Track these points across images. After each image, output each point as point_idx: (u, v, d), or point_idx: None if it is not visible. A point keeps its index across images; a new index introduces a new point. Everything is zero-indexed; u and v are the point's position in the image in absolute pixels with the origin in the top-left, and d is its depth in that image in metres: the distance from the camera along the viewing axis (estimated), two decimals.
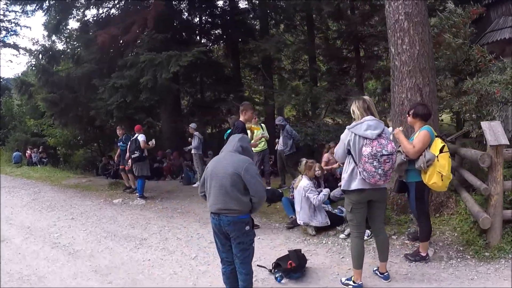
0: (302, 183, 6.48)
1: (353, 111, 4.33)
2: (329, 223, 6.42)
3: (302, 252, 5.15)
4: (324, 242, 6.03)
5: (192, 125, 11.56)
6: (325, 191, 6.57)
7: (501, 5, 9.70)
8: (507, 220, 5.11)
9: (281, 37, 15.52)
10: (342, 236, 6.12)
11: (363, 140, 4.12)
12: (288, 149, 9.80)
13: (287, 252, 5.05)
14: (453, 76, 8.79)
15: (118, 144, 10.98)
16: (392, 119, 6.95)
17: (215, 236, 3.92)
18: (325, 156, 9.57)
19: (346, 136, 4.27)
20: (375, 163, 4.04)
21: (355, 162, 4.23)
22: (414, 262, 4.96)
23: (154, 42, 11.99)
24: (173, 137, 15.80)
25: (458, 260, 4.94)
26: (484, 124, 5.17)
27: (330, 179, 8.31)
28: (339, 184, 7.03)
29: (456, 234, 5.54)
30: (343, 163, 4.53)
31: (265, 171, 10.13)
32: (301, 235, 6.42)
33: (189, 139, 11.74)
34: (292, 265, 4.75)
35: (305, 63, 18.86)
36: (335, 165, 8.84)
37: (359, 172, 4.17)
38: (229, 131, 7.77)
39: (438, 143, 4.61)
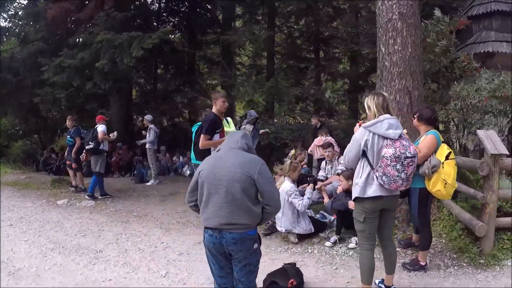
0: (285, 186, 5.70)
1: (369, 107, 3.78)
2: (313, 230, 5.77)
3: (297, 266, 4.45)
4: (309, 251, 5.39)
5: (148, 117, 10.44)
6: (309, 193, 5.83)
7: (483, 19, 9.79)
8: (498, 228, 5.03)
9: (246, 28, 14.56)
10: (328, 244, 5.52)
11: (384, 141, 3.60)
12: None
13: (279, 266, 4.42)
14: (433, 82, 8.81)
15: (67, 137, 9.42)
16: None
17: (210, 258, 3.00)
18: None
19: (362, 135, 3.66)
20: (398, 166, 3.53)
21: (371, 166, 3.64)
22: (413, 272, 4.60)
23: (113, 21, 10.40)
24: (123, 129, 14.10)
25: (456, 268, 4.70)
26: (481, 133, 5.02)
27: (304, 180, 7.66)
28: (317, 187, 6.53)
29: (444, 241, 5.30)
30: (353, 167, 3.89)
31: None
32: (282, 243, 5.68)
33: (143, 132, 10.60)
34: (294, 284, 4.02)
35: (264, 59, 18.21)
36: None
37: (376, 177, 3.62)
38: (197, 124, 6.83)
39: (444, 149, 4.27)
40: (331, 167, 7.30)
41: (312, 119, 10.43)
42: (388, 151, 3.54)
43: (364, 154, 3.69)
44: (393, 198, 3.79)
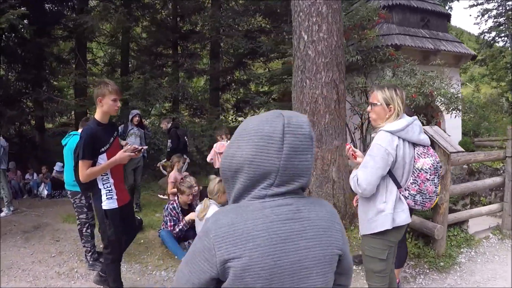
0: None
1: (391, 99, 2.80)
2: None
3: None
4: None
5: None
6: None
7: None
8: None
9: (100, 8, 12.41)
10: None
11: (415, 149, 2.81)
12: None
13: None
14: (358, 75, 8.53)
15: None
16: None
17: None
18: (172, 176, 7.14)
19: (389, 143, 2.70)
20: (436, 180, 2.79)
21: (397, 184, 2.79)
22: None
23: None
24: None
25: (422, 277, 4.48)
26: (430, 130, 4.52)
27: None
28: None
29: None
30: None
31: (137, 186, 7.72)
32: None
33: None
34: None
35: (118, 56, 16.22)
36: None
37: (406, 197, 2.81)
38: (72, 134, 5.25)
39: None
40: None
41: (162, 123, 8.87)
42: (426, 162, 2.74)
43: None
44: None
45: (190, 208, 5.81)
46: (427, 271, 4.60)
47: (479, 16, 24.85)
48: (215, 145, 7.24)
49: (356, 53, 8.17)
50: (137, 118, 7.56)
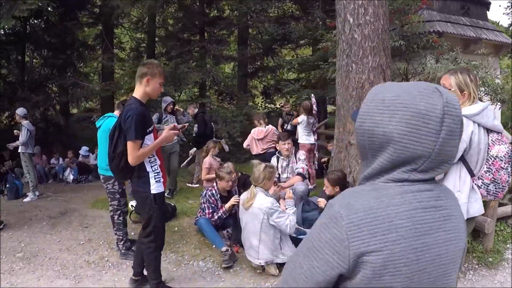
0: (262, 202, 3.95)
1: (465, 84, 2.59)
2: None
3: None
4: None
5: (20, 110, 7.41)
6: (291, 206, 4.16)
7: None
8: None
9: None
10: None
11: (489, 136, 2.58)
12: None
13: None
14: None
15: None
16: (341, 106, 5.24)
17: None
18: (207, 162, 6.58)
19: (465, 127, 2.38)
20: (509, 169, 2.57)
21: (471, 172, 2.57)
22: None
23: None
24: None
25: (471, 272, 4.16)
26: None
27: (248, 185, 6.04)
28: (274, 191, 4.78)
29: None
30: None
31: (173, 171, 7.14)
32: (256, 278, 4.01)
33: (15, 131, 7.58)
34: None
35: (143, 43, 15.79)
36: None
37: (479, 186, 2.59)
38: (107, 116, 4.62)
39: None
40: (287, 165, 5.60)
41: (189, 108, 8.32)
42: (501, 150, 2.52)
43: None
44: None
45: (229, 194, 5.28)
46: (476, 266, 4.28)
47: (509, 6, 23.50)
48: (253, 130, 6.67)
49: (399, 38, 7.60)
50: (171, 106, 7.04)
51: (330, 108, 15.41)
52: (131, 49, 15.76)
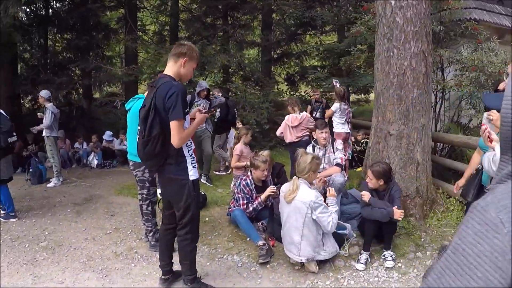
0: (306, 195, 3.57)
1: None
2: (338, 250, 3.90)
3: None
4: (341, 281, 3.57)
5: (44, 93, 7.09)
6: (333, 202, 3.81)
7: None
8: None
9: None
10: (359, 266, 3.76)
11: None
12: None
13: None
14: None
15: None
16: (380, 93, 4.89)
17: None
18: (238, 149, 6.04)
19: None
20: None
21: None
22: None
23: None
24: (8, 112, 10.12)
25: None
26: None
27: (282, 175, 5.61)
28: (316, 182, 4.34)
29: None
30: None
31: (207, 156, 6.80)
32: (295, 275, 3.68)
33: (39, 114, 7.32)
34: None
35: (166, 26, 15.40)
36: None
37: None
38: (137, 98, 4.15)
39: None
40: (324, 154, 5.12)
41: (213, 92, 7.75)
42: None
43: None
44: None
45: (264, 184, 4.89)
46: None
47: None
48: (286, 117, 6.20)
49: (438, 23, 7.06)
50: (205, 92, 6.65)
51: (353, 97, 14.90)
52: (154, 33, 15.35)
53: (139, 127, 2.99)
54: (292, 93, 14.38)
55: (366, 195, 3.82)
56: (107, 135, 9.49)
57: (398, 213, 3.62)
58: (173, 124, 2.77)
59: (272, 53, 15.01)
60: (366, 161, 5.29)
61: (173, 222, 3.24)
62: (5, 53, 8.98)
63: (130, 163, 4.14)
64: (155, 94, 2.84)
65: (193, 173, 3.00)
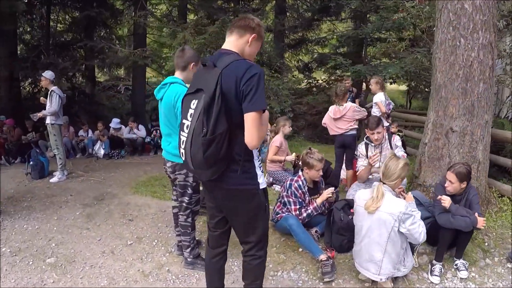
0: (392, 204, 2.88)
1: None
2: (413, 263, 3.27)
3: None
4: None
5: (48, 74, 6.03)
6: (416, 211, 2.97)
7: None
8: None
9: None
10: (434, 279, 3.26)
11: None
12: None
13: None
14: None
15: None
16: (443, 85, 4.34)
17: None
18: (278, 141, 5.40)
19: None
20: None
21: None
22: None
23: None
24: (7, 96, 8.99)
25: None
26: None
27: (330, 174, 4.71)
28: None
29: None
30: None
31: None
32: None
33: (42, 99, 6.27)
34: None
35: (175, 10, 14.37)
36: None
37: None
38: (174, 86, 3.09)
39: None
40: (380, 152, 4.34)
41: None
42: None
43: None
44: None
45: (315, 186, 4.04)
46: None
47: None
48: (330, 108, 5.33)
49: (501, 15, 6.46)
50: None
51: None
52: (162, 15, 14.31)
53: (185, 121, 2.05)
54: (310, 81, 13.49)
55: (447, 201, 3.23)
56: (115, 122, 8.49)
57: (481, 222, 3.16)
58: (252, 117, 1.93)
59: (285, 39, 14.12)
60: (420, 158, 4.63)
61: (224, 243, 2.49)
62: (5, 28, 7.87)
63: (168, 164, 3.17)
64: (221, 75, 1.93)
65: (262, 180, 2.22)
